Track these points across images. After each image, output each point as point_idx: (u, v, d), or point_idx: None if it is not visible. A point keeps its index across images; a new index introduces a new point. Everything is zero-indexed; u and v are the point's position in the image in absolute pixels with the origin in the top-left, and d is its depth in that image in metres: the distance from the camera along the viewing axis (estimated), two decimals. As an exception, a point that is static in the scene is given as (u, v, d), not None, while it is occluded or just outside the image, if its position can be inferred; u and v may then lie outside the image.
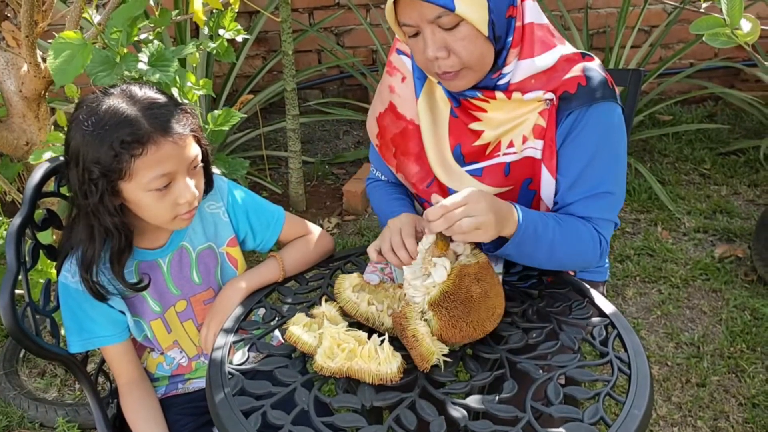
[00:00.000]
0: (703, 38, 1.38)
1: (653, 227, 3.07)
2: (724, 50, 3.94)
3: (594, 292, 1.39)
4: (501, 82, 1.32)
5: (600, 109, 1.30)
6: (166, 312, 1.43)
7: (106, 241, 1.29)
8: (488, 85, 1.32)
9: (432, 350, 1.17)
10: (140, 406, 1.41)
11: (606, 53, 3.70)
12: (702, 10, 1.74)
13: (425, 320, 1.20)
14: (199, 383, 1.51)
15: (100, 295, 1.31)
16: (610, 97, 1.32)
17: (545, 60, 1.31)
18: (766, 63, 1.80)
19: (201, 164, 1.32)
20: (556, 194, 1.37)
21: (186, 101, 1.62)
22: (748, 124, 3.87)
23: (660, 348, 2.41)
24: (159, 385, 1.50)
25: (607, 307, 1.34)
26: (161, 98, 1.27)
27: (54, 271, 1.65)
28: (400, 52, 1.46)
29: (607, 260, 1.69)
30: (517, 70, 1.31)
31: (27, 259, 1.34)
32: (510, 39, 1.28)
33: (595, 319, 1.31)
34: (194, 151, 1.29)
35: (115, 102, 1.23)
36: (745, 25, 1.35)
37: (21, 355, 2.41)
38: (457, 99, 1.36)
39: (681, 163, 3.56)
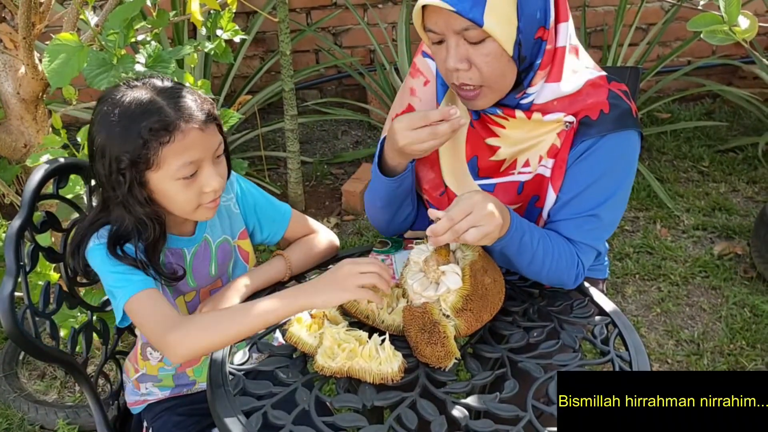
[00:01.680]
0: (701, 35, 1.38)
1: (652, 225, 3.07)
2: (721, 47, 3.94)
3: (594, 291, 1.39)
4: (524, 101, 1.29)
5: (616, 139, 1.29)
6: (175, 299, 1.41)
7: (141, 232, 1.29)
8: (510, 104, 1.30)
9: (456, 349, 1.18)
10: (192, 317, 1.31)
11: (604, 51, 3.70)
12: (700, 8, 1.74)
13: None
14: (205, 385, 1.50)
15: (135, 265, 1.28)
16: (631, 126, 1.30)
17: (571, 85, 1.28)
18: (764, 60, 1.80)
19: (223, 154, 1.33)
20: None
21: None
22: (746, 122, 3.87)
23: (660, 345, 2.41)
24: (163, 386, 1.49)
25: (608, 305, 1.34)
26: (183, 89, 1.29)
27: (53, 273, 1.66)
28: (425, 54, 1.43)
29: (606, 257, 1.69)
30: (543, 91, 1.28)
31: (26, 261, 1.33)
32: (539, 61, 1.25)
33: (596, 318, 1.31)
34: (218, 138, 1.30)
35: (139, 93, 1.24)
36: (743, 22, 1.35)
37: (21, 357, 2.41)
38: (477, 112, 1.34)
39: (679, 160, 3.56)
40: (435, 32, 1.23)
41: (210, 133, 1.27)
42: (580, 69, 1.31)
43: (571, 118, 1.28)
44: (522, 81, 1.27)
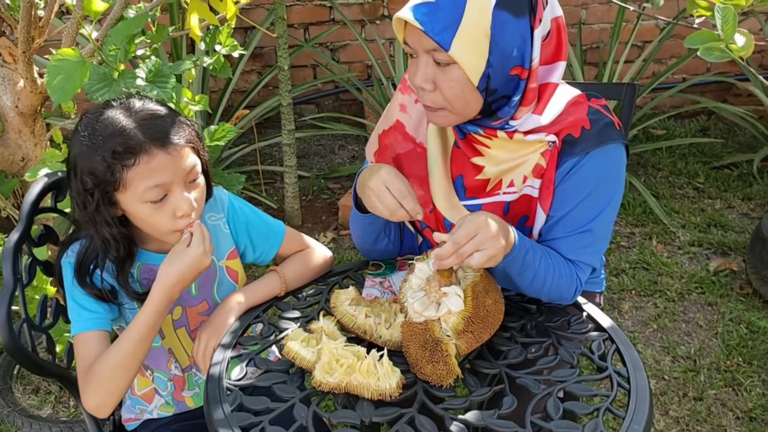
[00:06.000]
0: (698, 52, 1.39)
1: (648, 241, 3.08)
2: (716, 65, 3.98)
3: (592, 307, 1.39)
4: (506, 128, 1.30)
5: (601, 154, 1.29)
6: None
7: (107, 250, 1.29)
8: (490, 126, 1.30)
9: (458, 368, 1.18)
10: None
11: (599, 68, 3.72)
12: (695, 26, 1.76)
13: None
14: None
15: (99, 296, 1.30)
16: (615, 139, 1.30)
17: (550, 115, 1.29)
18: (758, 77, 1.81)
19: (201, 176, 1.31)
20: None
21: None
22: (740, 138, 3.90)
23: (656, 362, 2.41)
24: (166, 411, 1.49)
25: (605, 321, 1.34)
26: (160, 110, 1.27)
27: (50, 287, 1.65)
28: None
29: (603, 270, 1.69)
30: (527, 122, 1.29)
31: (24, 274, 1.33)
32: (517, 97, 1.25)
33: (594, 334, 1.31)
34: (191, 161, 1.27)
35: (113, 113, 1.24)
36: (739, 40, 1.37)
37: (15, 372, 2.40)
38: (462, 131, 1.35)
39: (675, 176, 3.58)
40: (410, 46, 1.25)
41: (179, 157, 1.25)
42: (558, 93, 1.31)
43: (552, 138, 1.29)
44: (494, 111, 1.27)
